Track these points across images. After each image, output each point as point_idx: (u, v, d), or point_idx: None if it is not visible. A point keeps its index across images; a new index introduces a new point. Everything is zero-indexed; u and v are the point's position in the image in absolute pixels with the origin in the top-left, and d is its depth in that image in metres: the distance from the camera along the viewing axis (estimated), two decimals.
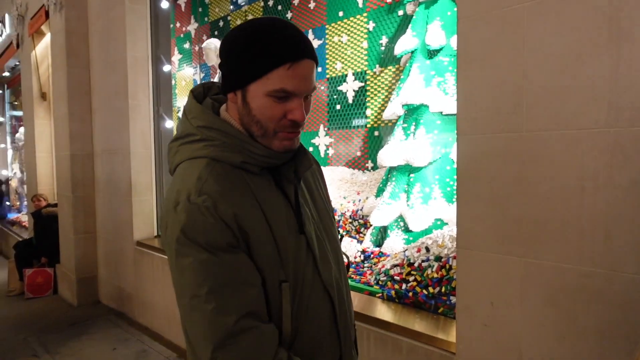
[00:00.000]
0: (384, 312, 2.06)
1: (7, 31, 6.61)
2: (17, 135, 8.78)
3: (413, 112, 2.73)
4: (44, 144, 5.85)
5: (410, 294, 2.08)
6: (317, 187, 1.04)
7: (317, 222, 0.96)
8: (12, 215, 8.51)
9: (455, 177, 2.52)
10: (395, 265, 2.24)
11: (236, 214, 0.78)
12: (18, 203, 9.10)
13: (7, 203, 9.12)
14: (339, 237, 1.12)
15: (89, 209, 4.54)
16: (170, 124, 4.07)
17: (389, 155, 2.73)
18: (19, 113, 8.87)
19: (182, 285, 0.79)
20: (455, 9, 2.60)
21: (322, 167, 1.16)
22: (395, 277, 2.18)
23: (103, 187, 4.41)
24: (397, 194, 2.71)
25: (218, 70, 3.99)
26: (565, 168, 1.37)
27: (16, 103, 9.31)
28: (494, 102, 1.52)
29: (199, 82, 5.64)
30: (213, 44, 3.94)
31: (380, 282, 2.26)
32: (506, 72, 1.48)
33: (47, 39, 5.37)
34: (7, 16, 6.48)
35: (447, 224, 2.49)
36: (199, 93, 0.93)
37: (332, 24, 3.66)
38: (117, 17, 3.95)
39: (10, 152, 9.75)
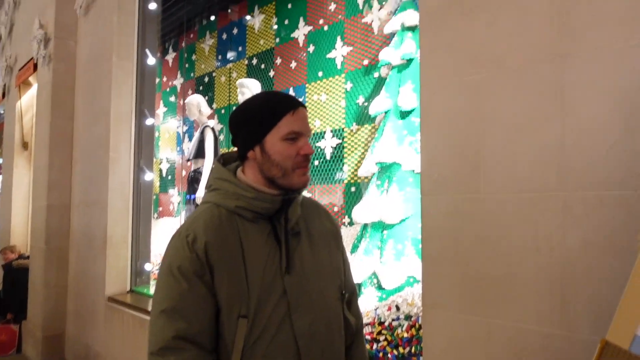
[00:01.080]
0: None
1: None
2: None
3: (386, 170, 2.80)
4: (21, 193, 5.78)
5: (381, 354, 2.05)
6: (326, 245, 1.14)
7: (308, 275, 1.04)
8: None
9: None
10: (366, 324, 2.22)
11: (207, 245, 0.95)
12: None
13: None
14: (341, 297, 1.13)
15: (62, 262, 4.42)
16: (150, 176, 4.09)
17: (363, 211, 2.77)
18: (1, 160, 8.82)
19: (154, 298, 0.99)
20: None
21: None
22: (367, 337, 2.15)
23: (78, 239, 4.33)
24: (370, 251, 2.72)
25: (200, 124, 4.09)
26: (521, 229, 1.41)
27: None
28: (454, 164, 1.59)
29: (182, 134, 5.70)
30: (196, 100, 4.05)
31: None
32: (465, 136, 1.56)
33: (33, 89, 5.45)
34: None
35: (419, 281, 2.49)
36: (222, 160, 1.14)
37: (312, 83, 3.81)
38: (103, 72, 4.06)
39: None
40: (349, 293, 1.19)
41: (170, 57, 5.75)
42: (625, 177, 1.23)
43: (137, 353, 3.32)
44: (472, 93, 1.56)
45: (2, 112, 7.27)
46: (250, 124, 1.03)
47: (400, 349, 2.01)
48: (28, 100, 5.72)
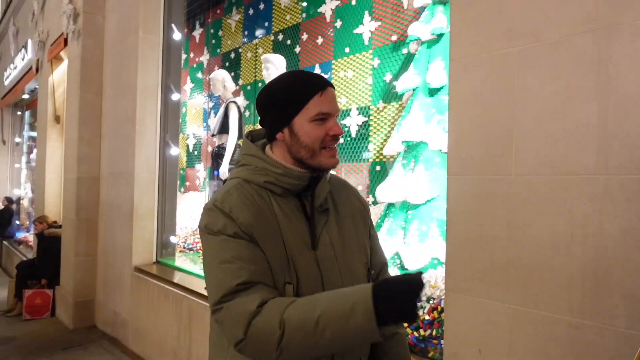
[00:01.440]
0: None
1: (29, 56, 6.85)
2: (32, 155, 8.96)
3: (413, 149, 2.72)
4: (54, 166, 5.95)
5: None
6: (354, 222, 1.13)
7: (337, 249, 1.05)
8: (21, 235, 8.58)
9: None
10: None
11: (245, 220, 0.96)
12: (28, 222, 9.20)
13: (17, 222, 9.22)
14: (368, 274, 1.12)
15: (92, 232, 4.55)
16: (175, 150, 4.12)
17: (387, 191, 2.71)
18: (35, 134, 9.10)
19: (204, 259, 1.01)
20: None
21: None
22: None
23: (107, 210, 4.44)
24: (394, 231, 2.67)
25: (225, 100, 4.07)
26: (554, 214, 1.34)
27: (35, 124, 9.55)
28: (484, 144, 1.51)
29: (208, 110, 5.72)
30: (220, 75, 4.02)
31: None
32: (495, 114, 1.48)
33: (64, 64, 5.54)
34: (29, 42, 6.72)
35: (443, 263, 2.43)
36: (251, 137, 1.14)
37: (339, 60, 3.71)
38: (130, 46, 4.07)
39: (24, 172, 9.92)
40: (379, 269, 1.19)
41: (197, 33, 5.72)
42: None
43: (161, 322, 3.41)
44: (505, 69, 1.46)
45: (36, 86, 7.44)
46: (278, 106, 1.03)
47: (422, 331, 1.98)
48: (60, 75, 5.82)
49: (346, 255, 1.07)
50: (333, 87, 1.04)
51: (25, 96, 8.65)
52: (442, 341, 1.92)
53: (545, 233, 1.35)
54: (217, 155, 3.93)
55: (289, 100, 1.01)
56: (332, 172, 1.13)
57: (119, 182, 4.18)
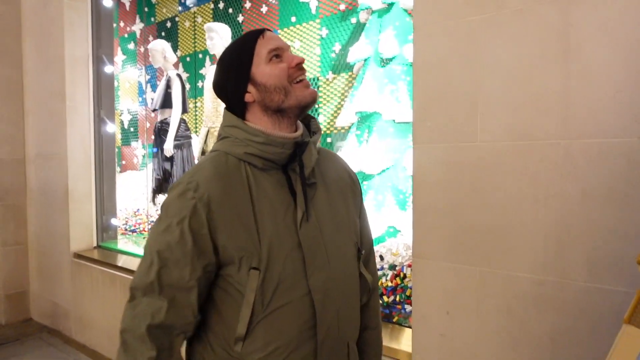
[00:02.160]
0: None
1: None
2: None
3: (366, 120, 2.72)
4: None
5: None
6: (343, 197, 1.07)
7: (325, 228, 0.98)
8: None
9: (407, 184, 2.54)
10: None
11: (210, 197, 0.90)
12: None
13: None
14: (358, 253, 1.07)
15: (20, 219, 4.19)
16: (112, 127, 3.85)
17: None
18: None
19: (148, 238, 0.96)
20: (409, 19, 2.63)
21: None
22: None
23: (36, 195, 4.09)
24: None
25: (165, 72, 3.84)
26: (518, 178, 1.39)
27: None
28: (449, 112, 1.53)
29: (144, 85, 5.38)
30: (160, 45, 3.77)
31: None
32: (460, 82, 1.50)
33: None
34: None
35: (399, 231, 2.49)
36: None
37: (285, 29, 3.60)
38: (54, 14, 3.69)
39: None
40: (367, 250, 1.14)
41: (127, 0, 5.31)
42: (629, 124, 1.21)
43: (109, 308, 3.24)
44: (469, 36, 1.48)
45: None
46: (232, 73, 0.99)
47: (385, 298, 2.02)
48: None
49: (336, 234, 1.00)
50: (271, 31, 1.02)
51: None
52: (406, 306, 1.98)
53: (509, 197, 1.41)
54: (160, 131, 3.73)
55: (237, 60, 0.98)
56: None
57: (50, 164, 3.85)
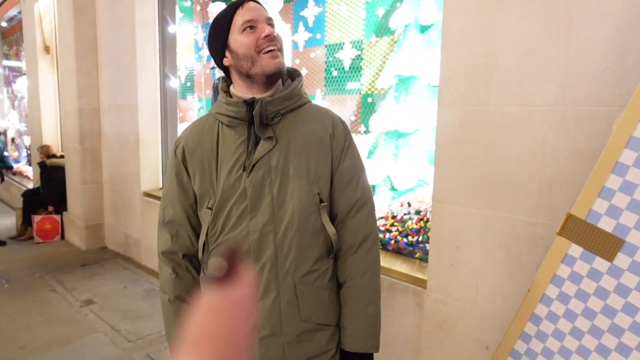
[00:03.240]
0: None
1: None
2: (15, 86, 8.84)
3: (404, 82, 2.99)
4: (47, 97, 6.01)
5: (393, 242, 2.42)
6: (308, 151, 1.11)
7: (275, 176, 1.09)
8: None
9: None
10: (380, 218, 2.58)
11: (185, 149, 1.13)
12: (16, 153, 9.27)
13: (6, 153, 9.28)
14: (319, 204, 1.11)
15: (96, 161, 4.79)
16: (175, 82, 4.28)
17: (380, 121, 3.02)
18: (13, 63, 8.90)
19: None
20: None
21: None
22: (380, 228, 2.52)
23: (110, 140, 4.65)
24: (385, 156, 3.01)
25: None
26: (520, 138, 1.68)
27: (8, 53, 9.30)
28: (469, 79, 1.81)
29: (199, 42, 5.78)
30: (218, 8, 4.10)
31: None
32: (479, 53, 1.76)
33: None
34: None
35: (428, 184, 2.81)
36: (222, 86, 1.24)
37: None
38: None
39: (6, 103, 9.81)
40: (347, 207, 1.15)
41: None
42: (613, 95, 1.46)
43: None
44: (487, 13, 1.73)
45: (17, 14, 7.22)
46: (214, 38, 1.13)
47: (410, 238, 2.38)
48: (45, 4, 5.71)
49: (286, 182, 1.09)
50: (254, 1, 1.13)
51: (4, 24, 8.37)
52: (427, 244, 2.34)
53: (512, 153, 1.70)
54: (216, 88, 4.12)
55: (218, 28, 1.11)
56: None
57: (122, 114, 4.37)
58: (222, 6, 4.18)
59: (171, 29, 4.21)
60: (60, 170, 5.31)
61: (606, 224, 1.01)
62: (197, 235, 1.19)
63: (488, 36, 1.73)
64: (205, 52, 5.33)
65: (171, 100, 4.31)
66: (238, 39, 1.08)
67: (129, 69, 4.16)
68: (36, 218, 5.23)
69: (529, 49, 1.63)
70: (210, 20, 4.26)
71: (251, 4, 1.10)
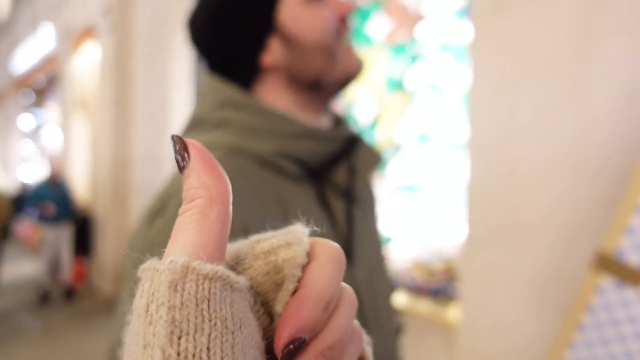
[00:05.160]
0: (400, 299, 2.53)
1: (51, 43, 7.14)
2: (46, 139, 9.28)
3: (420, 139, 3.23)
4: (80, 148, 6.35)
5: (419, 285, 2.57)
6: (373, 216, 0.77)
7: (373, 263, 0.71)
8: None
9: (453, 195, 3.02)
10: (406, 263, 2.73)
11: (247, 228, 0.50)
12: None
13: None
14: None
15: (127, 210, 5.01)
16: None
17: (400, 173, 3.23)
18: (43, 117, 9.40)
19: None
20: (463, 55, 3.10)
21: None
22: (408, 272, 2.67)
23: (142, 190, 4.90)
24: (407, 206, 3.20)
25: None
26: (541, 186, 1.86)
27: (39, 108, 9.84)
28: (494, 135, 2.02)
29: None
30: None
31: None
32: (503, 113, 1.99)
33: (91, 53, 5.89)
34: (52, 29, 7.02)
35: (451, 231, 2.98)
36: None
37: None
38: (162, 39, 4.49)
39: (33, 155, 10.23)
40: None
41: None
42: (625, 146, 1.66)
43: None
44: (510, 79, 1.97)
45: (54, 73, 7.74)
46: (243, 13, 0.62)
47: (435, 281, 2.52)
48: (86, 63, 6.18)
49: (382, 272, 0.73)
50: None
51: (41, 81, 8.93)
52: (452, 287, 2.47)
53: (535, 200, 1.88)
54: None
55: None
56: None
57: (153, 166, 4.64)
58: None
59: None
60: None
61: (632, 258, 1.17)
62: None
63: (510, 96, 1.97)
64: None
65: None
66: (301, 16, 0.62)
67: (162, 123, 4.47)
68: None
69: (545, 107, 1.85)
70: None
71: None
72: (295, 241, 0.24)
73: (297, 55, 0.62)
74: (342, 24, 0.64)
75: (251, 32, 0.61)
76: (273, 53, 0.63)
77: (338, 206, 0.64)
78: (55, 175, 4.92)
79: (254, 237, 0.25)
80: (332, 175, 0.65)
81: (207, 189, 0.22)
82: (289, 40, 0.61)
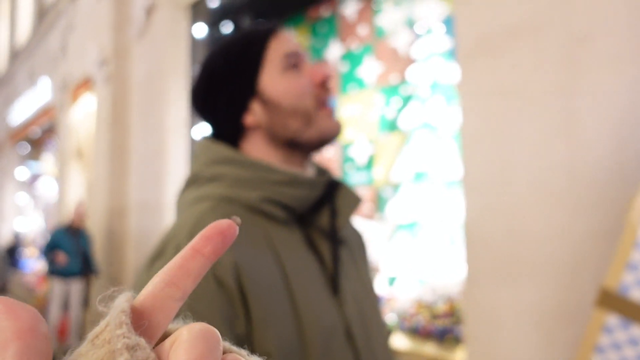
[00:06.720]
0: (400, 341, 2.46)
1: (47, 95, 7.26)
2: (41, 189, 9.28)
3: (416, 177, 3.25)
4: (76, 198, 6.33)
5: (422, 326, 2.50)
6: (362, 258, 0.81)
7: (363, 306, 0.72)
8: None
9: (451, 230, 3.01)
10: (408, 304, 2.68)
11: (238, 267, 0.59)
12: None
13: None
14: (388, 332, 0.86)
15: (121, 258, 4.94)
16: None
17: (397, 211, 3.23)
18: (39, 168, 9.43)
19: None
20: (453, 93, 3.17)
21: None
22: (409, 312, 2.61)
23: (137, 238, 4.85)
24: (405, 245, 3.17)
25: None
26: (539, 220, 1.86)
27: (35, 159, 9.89)
28: (489, 171, 2.03)
29: None
30: None
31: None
32: (496, 149, 2.01)
33: (87, 104, 5.98)
34: (48, 82, 7.16)
35: (451, 269, 2.94)
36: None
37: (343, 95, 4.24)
38: (158, 90, 4.58)
39: (29, 206, 10.19)
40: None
41: None
42: (619, 180, 1.67)
43: None
44: (500, 118, 2.00)
45: (51, 124, 7.84)
46: (228, 81, 0.71)
47: (439, 322, 2.46)
48: (82, 114, 6.26)
49: (373, 310, 0.75)
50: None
51: (37, 133, 9.02)
52: (456, 327, 2.41)
53: (533, 235, 1.87)
54: None
55: (239, 63, 0.70)
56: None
57: (149, 213, 4.62)
58: None
59: (198, 134, 4.61)
60: None
61: (636, 294, 1.15)
62: None
63: (501, 133, 1.99)
64: None
65: None
66: (281, 83, 0.70)
67: (158, 171, 4.49)
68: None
69: (537, 143, 1.87)
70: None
71: (284, 32, 0.73)
72: (109, 311, 0.22)
73: (275, 117, 0.70)
74: (320, 89, 0.72)
75: (236, 95, 0.71)
76: (255, 114, 0.72)
77: (324, 246, 0.70)
78: (77, 223, 4.78)
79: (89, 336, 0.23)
80: (317, 218, 0.71)
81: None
82: (268, 104, 0.70)
